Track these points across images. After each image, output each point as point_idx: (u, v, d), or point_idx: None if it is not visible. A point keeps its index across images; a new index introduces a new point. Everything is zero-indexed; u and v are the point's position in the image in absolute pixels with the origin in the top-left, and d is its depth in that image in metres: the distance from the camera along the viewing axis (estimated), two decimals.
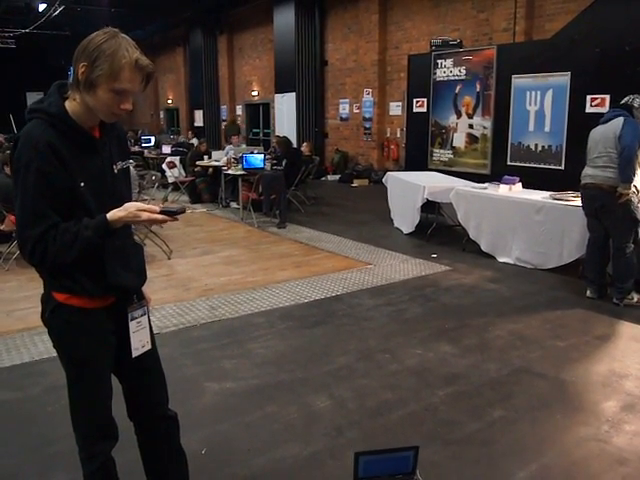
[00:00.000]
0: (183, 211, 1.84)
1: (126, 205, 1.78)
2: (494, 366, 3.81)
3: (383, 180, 8.98)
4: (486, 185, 6.92)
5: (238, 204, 9.56)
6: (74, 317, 1.89)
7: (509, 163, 8.04)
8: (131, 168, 2.25)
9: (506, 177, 6.78)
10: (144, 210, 1.77)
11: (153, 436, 2.20)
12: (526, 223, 6.09)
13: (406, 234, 7.79)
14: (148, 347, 2.08)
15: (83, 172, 1.80)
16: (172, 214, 1.80)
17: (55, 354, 1.98)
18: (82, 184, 1.79)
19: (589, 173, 5.03)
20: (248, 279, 5.82)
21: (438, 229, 7.61)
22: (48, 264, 1.79)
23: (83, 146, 1.82)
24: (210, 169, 10.59)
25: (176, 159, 11.88)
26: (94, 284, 1.86)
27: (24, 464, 2.77)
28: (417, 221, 7.50)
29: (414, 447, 2.34)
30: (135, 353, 2.02)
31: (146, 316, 2.08)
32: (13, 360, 3.92)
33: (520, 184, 6.73)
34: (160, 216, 1.79)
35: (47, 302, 1.92)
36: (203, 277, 5.91)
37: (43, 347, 4.00)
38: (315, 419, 3.16)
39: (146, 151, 14.38)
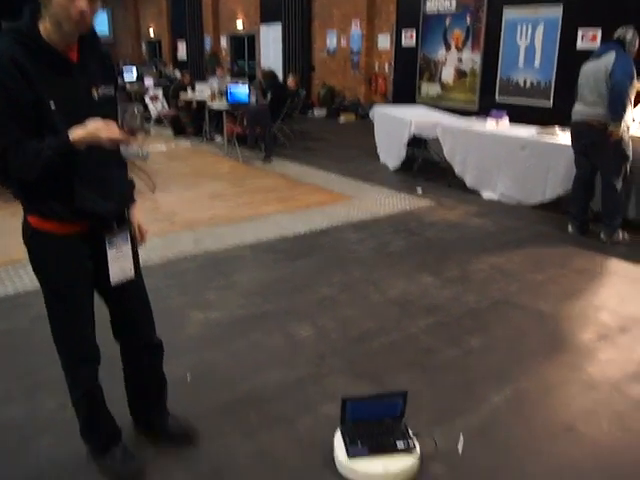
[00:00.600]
0: (144, 130, 1.82)
1: (87, 123, 1.75)
2: (474, 298, 3.89)
3: (370, 115, 8.86)
4: (473, 120, 6.87)
5: (223, 138, 9.42)
6: (48, 242, 1.91)
7: (497, 98, 7.96)
8: None
9: (493, 112, 6.72)
10: (104, 129, 1.74)
11: (137, 360, 2.27)
12: (511, 159, 6.09)
13: (392, 169, 7.77)
14: (131, 275, 2.08)
15: (53, 92, 1.75)
16: (133, 132, 1.78)
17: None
18: (53, 105, 1.75)
19: (579, 110, 4.97)
20: (233, 213, 5.81)
21: (424, 165, 7.59)
22: (10, 181, 1.80)
23: (54, 67, 1.77)
24: (194, 103, 10.36)
25: (159, 92, 11.60)
26: (64, 208, 1.86)
27: (12, 390, 2.82)
28: (403, 156, 7.47)
29: (403, 392, 2.38)
30: (114, 281, 2.03)
31: (129, 244, 2.06)
32: None
33: (507, 120, 6.68)
34: (120, 135, 1.76)
35: (25, 227, 1.94)
36: (188, 211, 5.89)
37: (28, 279, 4.01)
38: (298, 347, 3.23)
39: (128, 84, 13.99)
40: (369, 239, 5.03)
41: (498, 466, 2.36)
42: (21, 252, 1.98)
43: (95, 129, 1.73)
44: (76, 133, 1.72)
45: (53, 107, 1.75)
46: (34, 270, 1.98)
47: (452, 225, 5.48)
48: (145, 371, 2.30)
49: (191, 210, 5.92)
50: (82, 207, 1.87)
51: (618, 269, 4.48)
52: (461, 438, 2.49)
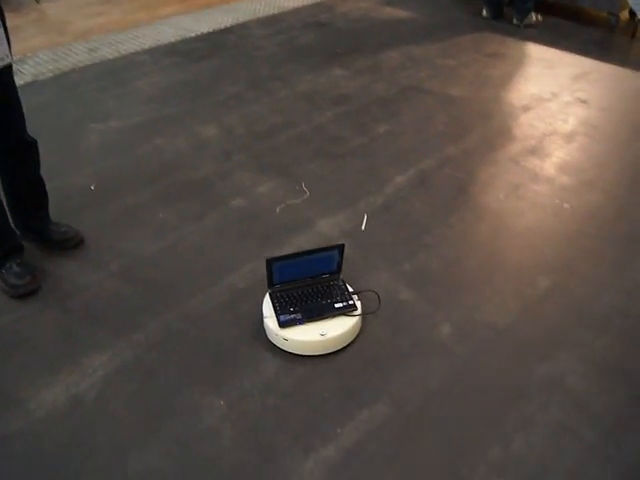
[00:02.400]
0: None
1: None
2: (383, 86, 3.82)
3: None
4: None
5: None
6: None
7: None
8: None
9: None
10: None
11: (13, 159, 2.23)
12: None
13: None
14: (8, 61, 2.00)
15: None
16: None
17: None
18: None
19: None
20: (129, 17, 5.31)
21: None
22: None
23: None
24: None
25: None
26: None
27: None
28: None
29: (338, 245, 2.04)
30: None
31: (2, 29, 1.94)
32: None
33: None
34: None
35: None
36: (79, 19, 5.33)
37: None
38: (204, 147, 3.15)
39: None
40: (277, 35, 4.73)
41: (396, 239, 2.48)
42: None
43: None
44: None
45: None
46: None
47: (364, 14, 5.20)
48: (21, 171, 2.27)
49: (83, 18, 5.36)
50: None
51: (528, 51, 4.45)
52: (365, 217, 2.59)
